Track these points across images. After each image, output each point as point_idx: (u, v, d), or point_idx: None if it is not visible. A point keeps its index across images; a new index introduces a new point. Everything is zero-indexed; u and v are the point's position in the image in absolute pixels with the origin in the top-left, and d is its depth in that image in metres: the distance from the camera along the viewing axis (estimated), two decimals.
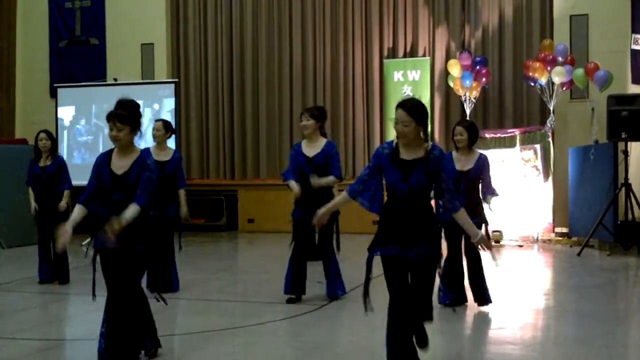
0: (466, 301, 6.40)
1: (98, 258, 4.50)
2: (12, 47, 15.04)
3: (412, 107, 4.14)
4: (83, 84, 13.48)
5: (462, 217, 4.26)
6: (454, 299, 6.27)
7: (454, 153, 6.23)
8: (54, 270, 7.88)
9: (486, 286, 6.33)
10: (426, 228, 4.16)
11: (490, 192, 6.19)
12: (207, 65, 14.33)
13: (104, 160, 4.56)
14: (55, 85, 13.74)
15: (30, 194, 8.01)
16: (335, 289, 6.64)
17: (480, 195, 6.21)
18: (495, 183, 6.33)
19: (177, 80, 13.27)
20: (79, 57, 14.76)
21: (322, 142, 6.57)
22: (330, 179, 6.40)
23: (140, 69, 14.28)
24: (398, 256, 4.13)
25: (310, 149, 6.54)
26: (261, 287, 7.60)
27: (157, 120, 7.49)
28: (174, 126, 7.89)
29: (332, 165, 6.47)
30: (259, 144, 14.02)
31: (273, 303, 6.73)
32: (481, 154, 6.28)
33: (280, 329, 5.64)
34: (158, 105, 12.58)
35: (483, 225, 6.06)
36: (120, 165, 4.51)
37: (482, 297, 6.30)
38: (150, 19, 14.23)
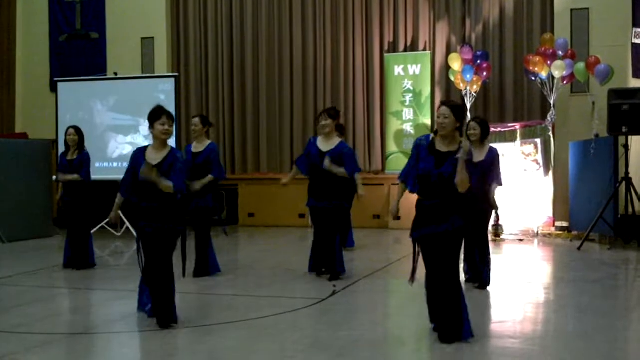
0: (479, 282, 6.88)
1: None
2: (12, 42, 15.03)
3: (453, 105, 4.96)
4: (83, 78, 13.45)
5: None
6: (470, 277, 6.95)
7: None
8: (75, 256, 8.36)
9: (486, 270, 6.85)
10: (453, 208, 4.85)
11: (497, 181, 6.81)
12: (208, 59, 14.32)
13: (140, 154, 5.54)
14: (55, 79, 13.72)
15: (60, 187, 8.68)
16: (340, 269, 7.42)
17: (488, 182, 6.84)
18: (502, 174, 6.93)
19: (177, 74, 13.25)
20: (79, 51, 14.76)
21: (336, 141, 7.37)
22: (341, 169, 7.22)
23: (141, 63, 14.28)
24: (430, 234, 4.88)
25: (325, 145, 7.31)
26: (262, 281, 7.61)
27: (194, 116, 8.03)
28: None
29: (345, 163, 7.26)
30: (260, 138, 14.03)
31: (274, 297, 6.75)
32: (492, 147, 6.84)
33: (282, 322, 5.65)
34: (158, 99, 12.57)
35: (494, 212, 6.97)
36: (154, 157, 5.47)
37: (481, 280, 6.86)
38: (150, 13, 14.22)
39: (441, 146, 4.91)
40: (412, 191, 5.06)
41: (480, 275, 6.84)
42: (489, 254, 6.90)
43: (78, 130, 8.45)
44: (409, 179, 5.06)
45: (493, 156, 6.76)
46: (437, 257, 4.89)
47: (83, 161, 8.34)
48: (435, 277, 4.93)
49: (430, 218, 4.89)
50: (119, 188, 5.72)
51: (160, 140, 5.54)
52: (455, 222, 4.86)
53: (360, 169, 7.63)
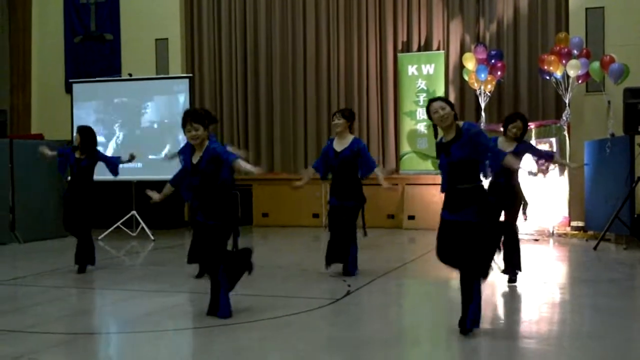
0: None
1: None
2: (27, 43, 15.14)
3: (443, 98, 5.24)
4: (98, 79, 13.53)
5: (508, 159, 5.15)
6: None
7: (500, 139, 6.99)
8: (80, 257, 8.17)
9: (519, 260, 7.07)
10: (472, 195, 5.00)
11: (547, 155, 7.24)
12: (221, 60, 14.37)
13: (188, 153, 5.86)
14: (70, 80, 13.81)
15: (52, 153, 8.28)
16: (352, 269, 7.53)
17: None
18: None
19: (191, 75, 13.30)
20: (93, 52, 14.86)
21: (349, 138, 7.43)
22: (378, 173, 7.39)
23: (155, 64, 14.35)
24: (449, 220, 5.06)
25: (340, 145, 7.41)
26: (276, 281, 7.62)
27: None
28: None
29: (365, 160, 7.37)
30: (273, 138, 14.05)
31: (288, 297, 6.76)
32: (520, 144, 6.99)
33: (295, 323, 5.65)
34: (172, 100, 12.60)
35: (522, 205, 7.08)
36: (196, 155, 5.74)
37: (513, 270, 7.07)
38: (164, 14, 14.29)
39: (446, 138, 5.16)
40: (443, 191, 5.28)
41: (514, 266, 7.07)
42: (518, 248, 7.07)
43: (81, 131, 8.13)
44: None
45: (525, 149, 7.03)
46: (450, 242, 5.07)
47: (95, 159, 8.14)
48: (451, 262, 5.13)
49: (448, 204, 5.13)
50: (170, 180, 5.95)
51: (198, 143, 5.71)
52: (464, 217, 4.97)
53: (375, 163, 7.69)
